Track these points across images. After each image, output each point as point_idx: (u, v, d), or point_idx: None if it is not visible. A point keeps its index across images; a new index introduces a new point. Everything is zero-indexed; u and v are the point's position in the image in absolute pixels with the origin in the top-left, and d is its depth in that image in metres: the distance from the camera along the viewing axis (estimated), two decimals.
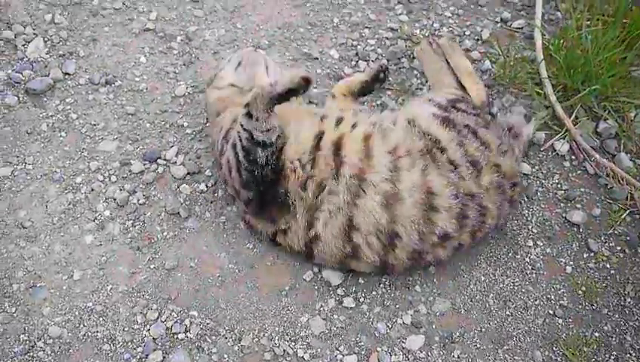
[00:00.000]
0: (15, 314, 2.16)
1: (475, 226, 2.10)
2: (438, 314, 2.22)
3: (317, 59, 2.82)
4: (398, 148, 2.07)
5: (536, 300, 2.26)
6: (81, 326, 2.15)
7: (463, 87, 2.46)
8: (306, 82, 2.06)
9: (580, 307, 2.25)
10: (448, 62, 2.56)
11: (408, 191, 2.00)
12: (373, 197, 2.00)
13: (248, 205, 2.17)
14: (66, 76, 2.75)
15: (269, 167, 2.04)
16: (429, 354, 2.14)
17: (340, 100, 2.51)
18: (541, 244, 2.36)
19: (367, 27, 2.94)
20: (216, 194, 2.44)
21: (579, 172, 2.53)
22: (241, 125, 2.06)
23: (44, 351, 2.10)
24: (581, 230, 2.40)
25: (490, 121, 2.24)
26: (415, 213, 2.01)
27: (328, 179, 2.04)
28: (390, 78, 2.73)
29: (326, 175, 2.04)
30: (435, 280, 2.28)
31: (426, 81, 2.73)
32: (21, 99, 2.67)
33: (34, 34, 2.86)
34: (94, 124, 2.62)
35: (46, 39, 2.85)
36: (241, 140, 2.06)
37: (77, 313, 2.18)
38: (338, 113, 2.24)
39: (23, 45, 2.82)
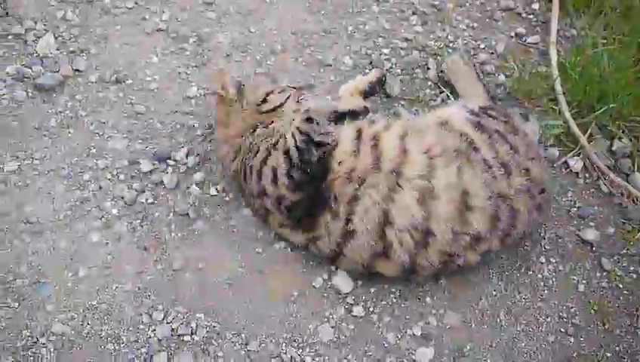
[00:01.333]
0: (18, 310, 2.11)
1: (506, 230, 2.09)
2: (448, 326, 2.18)
3: (330, 65, 2.80)
4: (432, 149, 2.08)
5: (547, 317, 2.23)
6: (85, 324, 2.10)
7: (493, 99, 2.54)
8: (366, 111, 2.40)
9: (592, 326, 2.22)
10: (478, 74, 2.63)
11: (444, 189, 2.01)
12: (409, 192, 2.01)
13: (292, 211, 2.16)
14: (76, 73, 2.72)
15: (321, 166, 2.11)
16: None
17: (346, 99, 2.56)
18: (554, 261, 2.34)
19: (381, 36, 2.92)
20: (226, 198, 2.40)
21: (592, 190, 2.52)
22: (298, 128, 2.16)
23: (46, 347, 2.04)
24: (594, 248, 2.37)
25: (519, 128, 2.26)
26: (450, 210, 2.01)
27: (369, 171, 2.06)
28: (404, 88, 2.72)
29: (367, 167, 2.07)
30: (446, 292, 2.24)
31: (441, 92, 2.72)
32: (30, 94, 2.63)
33: (45, 30, 2.82)
34: (103, 122, 2.58)
35: (57, 35, 2.82)
36: (296, 141, 2.13)
37: (81, 311, 2.13)
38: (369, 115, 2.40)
39: (34, 41, 2.78)
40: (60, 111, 2.59)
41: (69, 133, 2.54)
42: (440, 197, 2.01)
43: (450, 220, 2.01)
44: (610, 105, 2.52)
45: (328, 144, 2.13)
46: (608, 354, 2.16)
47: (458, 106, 2.32)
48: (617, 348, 2.18)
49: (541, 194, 2.18)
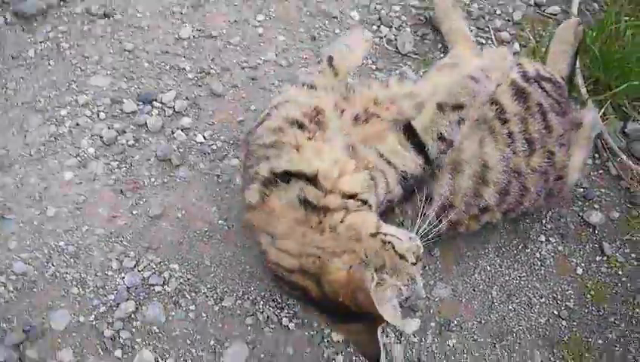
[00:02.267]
0: None
1: (512, 205, 1.99)
2: (437, 299, 2.08)
3: (336, 18, 2.63)
4: None
5: (541, 298, 2.13)
6: (50, 265, 1.97)
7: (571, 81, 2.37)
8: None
9: (586, 311, 2.13)
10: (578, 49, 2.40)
11: (468, 162, 1.89)
12: (446, 167, 1.87)
13: None
14: (61, 3, 2.53)
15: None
16: (423, 339, 2.01)
17: None
18: (553, 241, 2.23)
19: None
20: (213, 146, 2.24)
21: (600, 171, 2.40)
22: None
23: (5, 286, 1.92)
24: (597, 232, 2.26)
25: (568, 112, 2.11)
26: (470, 185, 1.90)
27: None
28: (415, 47, 2.57)
29: None
30: (438, 263, 2.13)
31: None
32: (8, 20, 2.45)
33: None
34: (87, 57, 2.41)
35: None
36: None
37: (46, 251, 2.00)
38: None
39: None
40: (41, 42, 2.42)
41: (49, 65, 2.37)
42: (464, 170, 1.89)
43: (467, 194, 1.91)
44: (632, 83, 2.38)
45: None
46: (600, 341, 2.09)
47: (514, 65, 2.10)
48: (610, 335, 2.10)
49: (556, 181, 2.06)
